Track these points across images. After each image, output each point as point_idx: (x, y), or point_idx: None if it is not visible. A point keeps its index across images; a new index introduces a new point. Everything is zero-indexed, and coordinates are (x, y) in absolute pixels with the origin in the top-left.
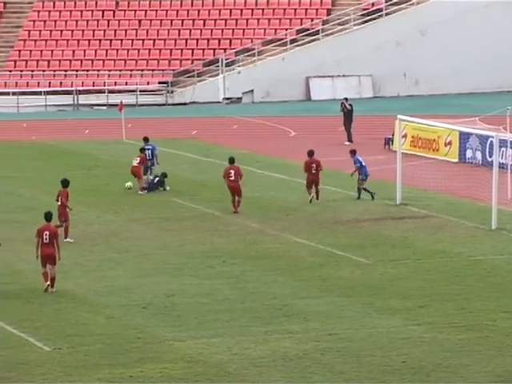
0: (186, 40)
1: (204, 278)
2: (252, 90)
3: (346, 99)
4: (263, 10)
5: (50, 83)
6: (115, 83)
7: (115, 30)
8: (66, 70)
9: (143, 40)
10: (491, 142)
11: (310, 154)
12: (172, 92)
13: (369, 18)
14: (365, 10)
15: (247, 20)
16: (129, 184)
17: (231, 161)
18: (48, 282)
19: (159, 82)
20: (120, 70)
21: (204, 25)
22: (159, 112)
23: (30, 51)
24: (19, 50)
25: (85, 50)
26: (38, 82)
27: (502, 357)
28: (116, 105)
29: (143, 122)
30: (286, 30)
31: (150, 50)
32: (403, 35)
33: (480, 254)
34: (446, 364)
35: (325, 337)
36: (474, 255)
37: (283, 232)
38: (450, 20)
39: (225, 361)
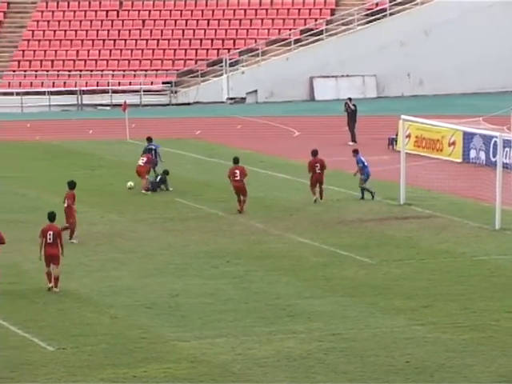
0: (190, 40)
1: (208, 278)
2: (256, 90)
3: (350, 99)
4: (267, 10)
5: (53, 83)
6: (119, 83)
7: (119, 30)
8: (69, 70)
9: (147, 40)
10: (495, 142)
11: (314, 153)
12: (176, 92)
13: (373, 18)
14: (369, 10)
15: (251, 20)
16: (130, 184)
17: (236, 161)
18: (51, 284)
19: (163, 82)
20: (124, 70)
21: (208, 25)
22: (163, 112)
23: (34, 51)
24: (23, 50)
25: (88, 50)
26: (42, 82)
27: (506, 357)
28: (120, 105)
29: (147, 122)
30: (290, 30)
31: (153, 50)
32: (407, 35)
33: (484, 254)
34: (450, 364)
35: (328, 337)
36: (478, 255)
37: (287, 232)
38: (454, 20)
39: (229, 361)
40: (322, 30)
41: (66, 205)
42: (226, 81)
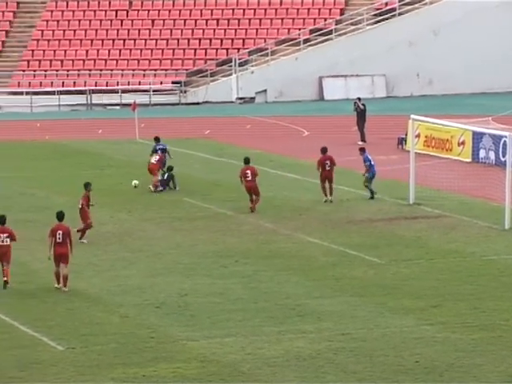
0: (200, 40)
1: (217, 278)
2: (265, 90)
3: (359, 99)
4: (276, 9)
5: (63, 83)
6: (128, 83)
7: (129, 30)
8: (79, 70)
9: (156, 40)
10: (504, 141)
11: (324, 150)
12: (185, 92)
13: (382, 17)
14: (378, 9)
15: (260, 20)
16: (135, 182)
17: (246, 161)
18: (59, 285)
19: (172, 82)
20: (133, 70)
21: (217, 24)
22: (172, 112)
23: (44, 51)
24: (32, 50)
25: (98, 50)
26: (52, 82)
27: None
28: (129, 104)
29: (156, 121)
30: (300, 29)
31: (163, 49)
32: (416, 35)
33: (493, 254)
34: (459, 364)
35: (338, 337)
36: (488, 255)
37: (296, 232)
38: (463, 20)
39: (238, 360)
40: (332, 30)
41: (80, 206)
42: (235, 80)
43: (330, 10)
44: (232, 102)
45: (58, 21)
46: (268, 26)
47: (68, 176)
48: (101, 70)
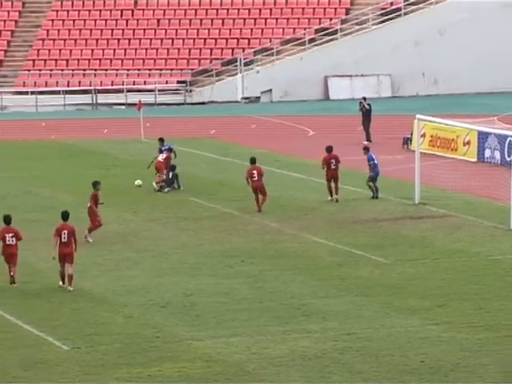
0: (205, 39)
1: (222, 278)
2: (270, 90)
3: (365, 99)
4: (282, 9)
5: (68, 82)
6: (134, 82)
7: (134, 30)
8: (84, 70)
9: (162, 39)
10: (510, 141)
11: (329, 149)
12: (190, 91)
13: (387, 17)
14: (383, 9)
15: (266, 19)
16: (138, 182)
17: (253, 161)
18: (65, 284)
19: (178, 82)
20: (138, 70)
21: (223, 24)
22: (178, 111)
23: (49, 50)
24: (38, 50)
25: (103, 50)
26: (57, 82)
27: None
28: (134, 104)
29: (162, 121)
30: (305, 29)
31: (168, 49)
32: (422, 35)
33: (498, 254)
34: (465, 364)
35: (343, 336)
36: (493, 255)
37: (302, 231)
38: (468, 19)
39: (243, 360)
40: (337, 30)
41: (88, 205)
42: (240, 80)
43: (336, 9)
44: (237, 101)
45: (63, 20)
46: (273, 25)
47: (73, 176)
48: (106, 69)
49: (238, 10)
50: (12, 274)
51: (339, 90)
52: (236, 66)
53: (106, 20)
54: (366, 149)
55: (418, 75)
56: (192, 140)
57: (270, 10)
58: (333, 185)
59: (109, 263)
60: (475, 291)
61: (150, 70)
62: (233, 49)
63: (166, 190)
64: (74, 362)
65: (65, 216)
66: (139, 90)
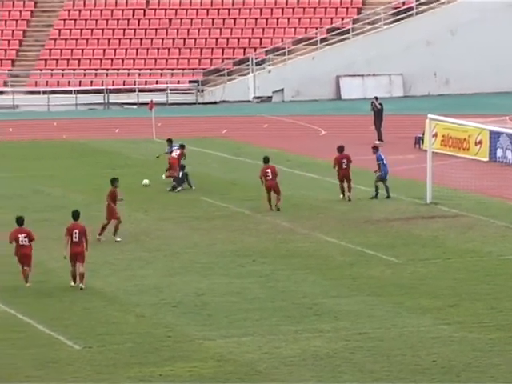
0: (217, 39)
1: (234, 277)
2: (282, 89)
3: (376, 98)
4: (293, 9)
5: (80, 82)
6: (146, 82)
7: (146, 29)
8: (96, 69)
9: (174, 39)
10: None
11: (340, 149)
12: (202, 91)
13: (399, 17)
14: (395, 9)
15: (277, 19)
16: (146, 181)
17: (266, 160)
18: (76, 283)
19: (189, 81)
20: (150, 69)
21: (234, 24)
22: (189, 111)
23: (61, 50)
24: (50, 49)
25: (115, 49)
26: (69, 81)
27: None
28: (146, 104)
29: (173, 120)
30: (317, 29)
31: (180, 48)
32: (433, 34)
33: (510, 254)
34: (477, 363)
35: (355, 336)
36: (505, 254)
37: (313, 231)
38: (480, 19)
39: (255, 360)
40: (349, 29)
41: (106, 202)
42: (252, 80)
43: (347, 9)
44: (249, 101)
45: (75, 20)
46: (285, 25)
47: (85, 175)
48: (118, 69)
49: (250, 9)
50: (26, 274)
51: (351, 89)
52: (248, 65)
53: (117, 20)
54: (375, 148)
55: (429, 75)
56: (204, 139)
57: (282, 9)
58: (345, 184)
59: (120, 262)
60: (487, 291)
61: (161, 69)
62: (244, 48)
63: (178, 189)
64: (85, 362)
65: (75, 215)
66: (151, 90)
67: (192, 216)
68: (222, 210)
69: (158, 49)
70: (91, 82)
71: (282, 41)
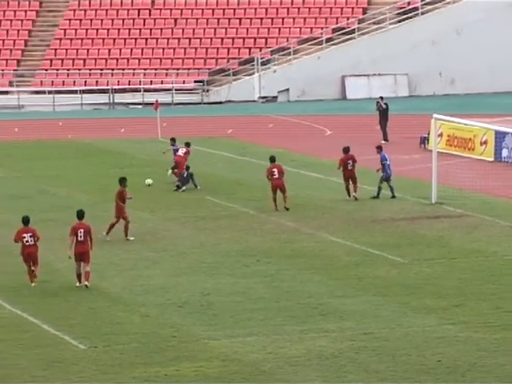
0: (222, 39)
1: (239, 277)
2: (287, 89)
3: (382, 98)
4: (299, 8)
5: (85, 82)
6: (151, 82)
7: (151, 29)
8: (101, 69)
9: (179, 39)
10: None
11: (346, 150)
12: (207, 91)
13: (404, 16)
14: (400, 8)
15: (283, 19)
16: (149, 181)
17: (272, 159)
18: (81, 284)
19: (195, 81)
20: (156, 69)
21: (240, 24)
22: (195, 111)
23: (66, 50)
24: (55, 49)
25: (120, 49)
26: (74, 81)
27: None
28: (152, 103)
29: (179, 120)
30: (322, 28)
31: (185, 48)
32: (439, 34)
33: None
34: (482, 363)
35: (360, 336)
36: (510, 254)
37: (319, 231)
38: (485, 19)
39: (260, 360)
40: (354, 29)
41: (115, 202)
42: (257, 79)
43: (353, 9)
44: (254, 101)
45: (80, 20)
46: (290, 25)
47: (90, 175)
48: (123, 69)
49: (255, 9)
50: (33, 273)
51: (356, 89)
52: (253, 65)
53: (123, 19)
54: (379, 148)
55: (435, 75)
56: (209, 139)
57: (288, 9)
58: (351, 185)
59: (126, 263)
60: (492, 291)
61: (167, 69)
62: (250, 48)
63: (182, 188)
64: (90, 361)
65: (80, 215)
66: (156, 90)
67: (197, 216)
68: (228, 209)
69: (164, 49)
70: (96, 81)
71: (288, 40)
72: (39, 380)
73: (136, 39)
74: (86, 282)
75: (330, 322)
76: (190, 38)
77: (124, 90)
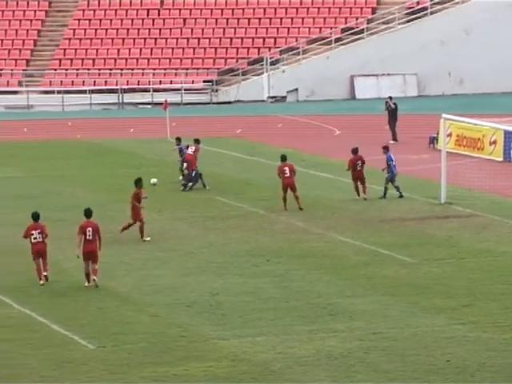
0: (231, 39)
1: (249, 277)
2: (296, 89)
3: (391, 98)
4: (308, 8)
5: (94, 82)
6: (160, 82)
7: (160, 29)
8: (110, 69)
9: (188, 39)
10: None
11: (355, 151)
12: (217, 91)
13: (413, 16)
14: (409, 8)
15: (292, 19)
16: (154, 180)
17: (283, 158)
18: (90, 283)
19: (204, 81)
20: (165, 69)
21: (249, 23)
22: (204, 111)
23: (75, 50)
24: (64, 49)
25: (130, 49)
26: (83, 81)
27: None
28: (161, 103)
29: (188, 120)
30: (331, 28)
31: (194, 48)
32: (448, 34)
33: None
34: (491, 363)
35: (369, 336)
36: None
37: (328, 231)
38: (494, 19)
39: (269, 359)
40: (363, 29)
41: (131, 204)
42: (266, 79)
43: (362, 9)
44: (263, 100)
45: (89, 20)
46: (299, 25)
47: (100, 175)
48: (132, 69)
49: (264, 9)
50: (45, 273)
51: (365, 89)
52: (262, 65)
53: (132, 19)
54: (386, 148)
55: (444, 74)
56: (218, 139)
57: (296, 9)
58: (360, 186)
59: (135, 262)
60: (501, 291)
61: (176, 69)
62: (259, 48)
63: (189, 185)
64: (99, 361)
65: (88, 213)
66: (165, 90)
67: (207, 216)
68: (237, 209)
69: (173, 48)
70: (105, 81)
71: (297, 40)
72: (48, 380)
73: (145, 39)
74: (94, 277)
75: (339, 322)
76: (199, 38)
77: (133, 90)
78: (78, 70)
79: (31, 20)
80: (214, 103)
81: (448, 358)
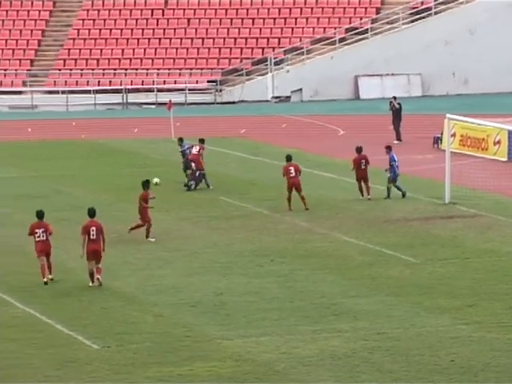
0: (235, 39)
1: (253, 277)
2: (301, 89)
3: (395, 98)
4: (312, 8)
5: (99, 82)
6: (164, 82)
7: (164, 29)
8: (115, 69)
9: (192, 39)
10: None
11: (359, 150)
12: (221, 91)
13: (418, 16)
14: (414, 8)
15: (296, 19)
16: (156, 180)
17: (289, 158)
18: (94, 283)
19: (208, 81)
20: (169, 69)
21: (253, 23)
22: (208, 111)
23: (80, 50)
24: (69, 49)
25: (134, 49)
26: (88, 81)
27: None
28: (165, 103)
29: (192, 120)
30: (335, 28)
31: (198, 48)
32: (452, 34)
33: None
34: (495, 363)
35: (373, 336)
36: None
37: (332, 231)
38: (498, 19)
39: (273, 359)
40: (367, 29)
41: (139, 205)
42: (270, 79)
43: (366, 9)
44: (267, 100)
45: (94, 20)
46: (303, 25)
47: (104, 175)
48: (136, 69)
49: (269, 9)
50: (50, 276)
51: (369, 89)
52: (266, 65)
53: (136, 19)
54: (389, 148)
55: (448, 74)
56: (222, 139)
57: (301, 9)
58: (363, 185)
59: (139, 262)
60: (506, 291)
61: (180, 69)
62: (263, 48)
63: (191, 183)
64: (104, 361)
65: (91, 213)
66: (169, 90)
67: (211, 216)
68: (241, 209)
69: (177, 48)
70: (110, 81)
71: (301, 40)
72: (52, 380)
73: (149, 39)
74: (98, 276)
75: (343, 322)
76: (203, 38)
77: (137, 90)
78: (82, 70)
79: (35, 20)
80: (218, 103)
81: (452, 358)
